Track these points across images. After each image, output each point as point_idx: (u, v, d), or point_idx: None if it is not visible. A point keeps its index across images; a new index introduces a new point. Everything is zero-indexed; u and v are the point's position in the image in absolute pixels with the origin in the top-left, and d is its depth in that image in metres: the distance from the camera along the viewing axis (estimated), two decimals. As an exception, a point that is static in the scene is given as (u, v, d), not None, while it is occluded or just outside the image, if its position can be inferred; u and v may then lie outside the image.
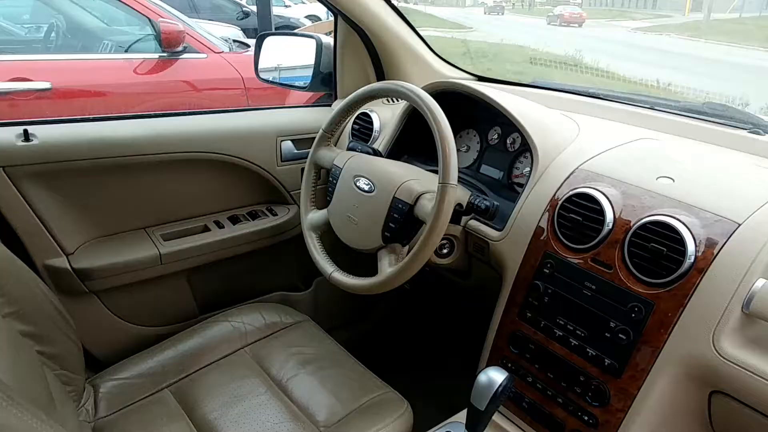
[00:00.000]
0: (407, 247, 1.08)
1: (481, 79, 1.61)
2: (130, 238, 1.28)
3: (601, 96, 1.41)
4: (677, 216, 0.88)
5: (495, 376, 0.88)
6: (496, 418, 1.03)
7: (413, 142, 1.37)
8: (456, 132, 1.41)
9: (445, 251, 1.16)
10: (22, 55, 3.04)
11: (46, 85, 2.65)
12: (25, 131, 1.11)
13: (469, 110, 1.33)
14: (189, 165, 1.32)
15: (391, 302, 1.86)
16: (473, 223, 1.13)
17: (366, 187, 1.09)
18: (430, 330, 1.91)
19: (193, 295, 1.40)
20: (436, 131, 0.98)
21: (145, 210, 1.31)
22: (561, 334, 0.95)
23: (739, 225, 0.84)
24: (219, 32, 4.09)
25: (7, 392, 0.50)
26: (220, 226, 1.39)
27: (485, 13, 15.43)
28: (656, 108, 1.31)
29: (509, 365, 1.03)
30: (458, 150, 1.41)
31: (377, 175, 1.09)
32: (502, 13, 15.08)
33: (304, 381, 1.14)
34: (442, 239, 1.15)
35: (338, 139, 1.51)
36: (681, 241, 0.85)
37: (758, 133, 1.14)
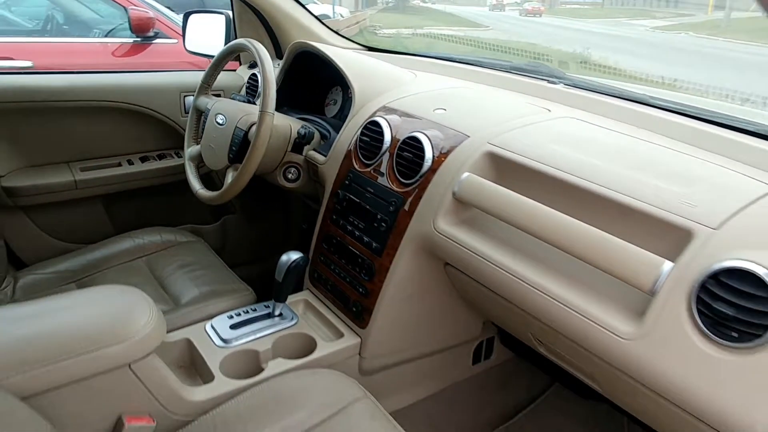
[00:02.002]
0: None
1: (371, 49, 1.89)
2: (52, 168, 1.59)
3: (468, 62, 1.66)
4: (425, 132, 1.15)
5: (292, 256, 1.18)
6: (311, 299, 1.32)
7: (291, 97, 1.66)
8: (327, 89, 1.70)
9: (291, 176, 1.45)
10: (5, 36, 3.39)
11: (27, 63, 3.00)
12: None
13: (336, 70, 1.61)
14: (103, 112, 1.63)
15: (293, 244, 2.15)
16: (311, 153, 1.42)
17: (221, 121, 1.38)
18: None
19: (111, 221, 1.71)
20: (260, 73, 1.27)
21: (67, 147, 1.62)
22: (350, 228, 1.24)
23: (468, 137, 1.11)
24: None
25: None
26: (131, 163, 1.70)
27: (489, 11, 15.73)
28: (495, 68, 1.58)
29: (321, 258, 1.32)
30: (327, 104, 1.70)
31: (230, 113, 1.38)
32: (503, 10, 15.33)
33: (179, 278, 1.43)
34: (289, 167, 1.44)
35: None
36: (423, 150, 1.13)
37: (554, 83, 1.41)
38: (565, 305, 0.84)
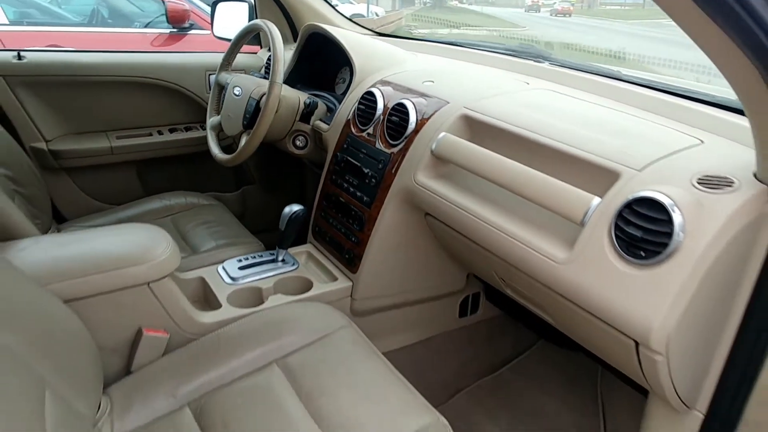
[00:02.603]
0: None
1: (380, 35, 2.04)
2: (92, 136, 1.80)
3: (465, 45, 1.80)
4: (412, 99, 1.30)
5: (293, 208, 1.34)
6: (312, 251, 1.48)
7: (305, 76, 1.82)
8: (338, 69, 1.86)
9: (299, 143, 1.61)
10: (55, 26, 3.68)
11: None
12: (18, 53, 1.64)
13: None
14: (137, 87, 1.83)
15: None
16: (317, 123, 1.58)
17: (237, 93, 1.55)
18: None
19: (142, 185, 1.91)
20: (272, 49, 1.43)
21: (105, 117, 1.82)
22: (346, 186, 1.39)
23: (449, 103, 1.25)
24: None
25: None
26: (160, 133, 1.90)
27: (525, 11, 15.66)
28: (489, 50, 1.71)
29: (322, 214, 1.47)
30: (337, 83, 1.85)
31: (245, 85, 1.55)
32: (539, 11, 15.22)
33: (199, 232, 1.61)
34: (298, 135, 1.60)
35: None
36: (408, 114, 1.27)
37: (540, 62, 1.53)
38: (514, 239, 0.97)
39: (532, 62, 1.52)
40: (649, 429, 1.01)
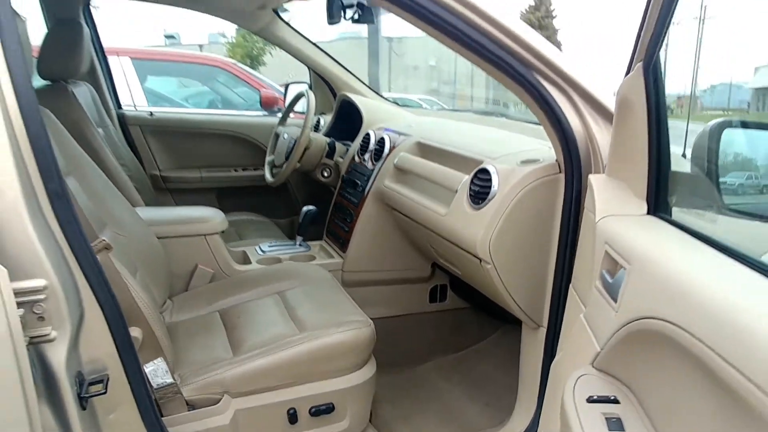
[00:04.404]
0: None
1: (392, 102, 2.72)
2: (189, 168, 2.58)
3: (462, 110, 2.44)
4: (389, 134, 1.92)
5: (309, 208, 1.96)
6: (324, 244, 2.06)
7: (339, 130, 2.51)
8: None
9: (325, 174, 2.26)
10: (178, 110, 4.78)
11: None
12: (150, 112, 2.49)
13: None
14: (226, 137, 2.62)
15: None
16: (338, 159, 2.23)
17: (285, 137, 2.25)
18: None
19: (220, 206, 2.63)
20: (306, 108, 2.12)
21: (199, 156, 2.61)
22: (346, 194, 2.00)
23: (411, 136, 1.85)
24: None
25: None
26: (236, 170, 2.65)
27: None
28: (467, 111, 2.32)
29: (333, 218, 2.07)
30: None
31: (290, 132, 2.25)
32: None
33: (250, 233, 2.26)
34: (325, 167, 2.26)
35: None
36: (384, 144, 1.88)
37: (506, 116, 2.12)
38: (427, 208, 1.51)
39: (472, 114, 2.11)
40: (522, 348, 1.44)
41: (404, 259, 1.93)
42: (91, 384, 0.89)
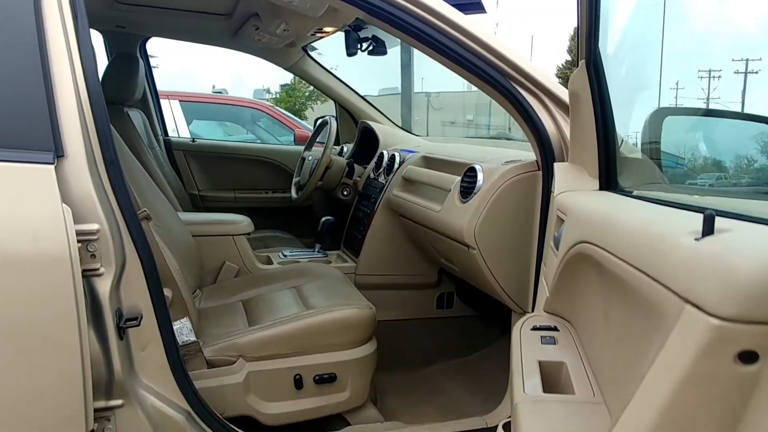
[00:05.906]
0: None
1: (407, 131, 2.94)
2: (224, 190, 2.85)
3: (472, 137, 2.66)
4: (399, 152, 2.13)
5: (327, 218, 2.17)
6: (341, 253, 2.25)
7: (360, 154, 2.74)
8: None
9: (345, 193, 2.47)
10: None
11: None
12: (193, 139, 2.79)
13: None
14: (259, 162, 2.89)
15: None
16: (356, 179, 2.44)
17: (309, 159, 2.49)
18: None
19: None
20: (328, 133, 2.37)
21: (233, 179, 2.87)
22: (361, 207, 2.20)
23: (417, 152, 2.06)
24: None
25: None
26: (266, 192, 2.90)
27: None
28: (480, 138, 2.53)
29: (351, 230, 2.27)
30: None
31: (314, 155, 2.49)
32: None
33: (276, 246, 2.48)
34: (345, 187, 2.47)
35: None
36: (395, 160, 2.09)
37: (510, 138, 2.31)
38: (426, 209, 1.69)
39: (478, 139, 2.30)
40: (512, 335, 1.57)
41: (412, 265, 2.09)
42: (128, 320, 1.08)
